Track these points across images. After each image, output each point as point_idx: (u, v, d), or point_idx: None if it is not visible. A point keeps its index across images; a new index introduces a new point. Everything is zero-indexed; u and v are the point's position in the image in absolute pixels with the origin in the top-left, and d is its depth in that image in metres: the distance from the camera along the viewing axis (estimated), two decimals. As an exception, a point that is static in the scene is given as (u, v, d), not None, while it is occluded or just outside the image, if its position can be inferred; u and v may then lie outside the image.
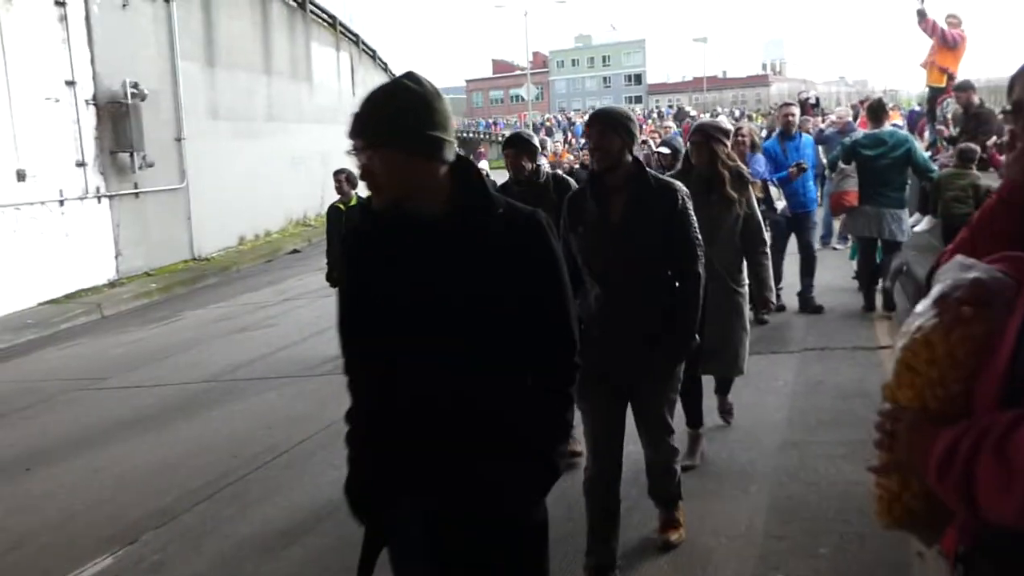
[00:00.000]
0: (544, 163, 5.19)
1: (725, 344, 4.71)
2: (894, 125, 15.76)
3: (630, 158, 3.56)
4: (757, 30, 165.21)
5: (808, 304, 8.22)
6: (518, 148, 4.92)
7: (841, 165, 7.97)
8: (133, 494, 5.26)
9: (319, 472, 5.24)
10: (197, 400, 7.30)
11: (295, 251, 20.21)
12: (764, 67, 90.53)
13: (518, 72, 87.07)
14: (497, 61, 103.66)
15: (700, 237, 3.65)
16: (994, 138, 8.58)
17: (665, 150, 7.75)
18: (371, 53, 33.79)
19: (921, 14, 9.89)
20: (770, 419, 5.29)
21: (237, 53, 20.02)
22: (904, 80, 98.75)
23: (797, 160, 8.09)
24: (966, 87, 9.00)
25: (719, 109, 46.62)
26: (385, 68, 37.57)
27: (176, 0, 17.19)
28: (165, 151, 16.74)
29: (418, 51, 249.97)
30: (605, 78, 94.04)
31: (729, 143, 4.81)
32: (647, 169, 3.65)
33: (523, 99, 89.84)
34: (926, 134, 14.10)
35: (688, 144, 4.94)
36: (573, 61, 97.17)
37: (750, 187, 4.77)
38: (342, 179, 8.51)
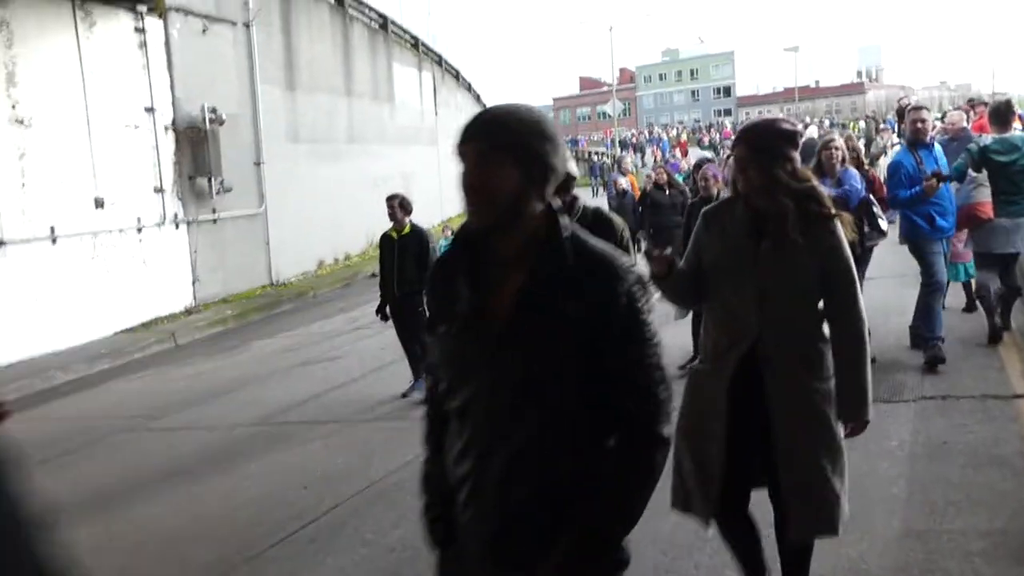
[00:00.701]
0: (581, 198, 4.11)
1: (806, 490, 3.00)
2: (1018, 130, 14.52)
3: (539, 206, 1.96)
4: (851, 37, 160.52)
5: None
6: None
7: (971, 173, 7.00)
8: (140, 570, 4.74)
9: (345, 550, 4.59)
10: (238, 448, 6.82)
11: (374, 275, 19.90)
12: (859, 74, 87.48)
13: (605, 88, 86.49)
14: (584, 78, 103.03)
15: (659, 360, 1.93)
16: None
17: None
18: (454, 73, 33.63)
19: None
20: (884, 495, 4.40)
21: (318, 75, 19.90)
22: (1013, 82, 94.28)
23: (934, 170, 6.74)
24: None
25: (808, 119, 44.75)
26: (469, 88, 37.41)
27: (257, 24, 17.12)
28: (244, 175, 16.63)
29: (504, 70, 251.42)
30: (693, 91, 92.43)
31: (795, 154, 3.06)
32: (565, 226, 1.96)
33: (610, 115, 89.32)
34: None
35: (728, 160, 3.93)
36: (660, 75, 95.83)
37: (837, 221, 3.06)
38: (395, 205, 7.96)
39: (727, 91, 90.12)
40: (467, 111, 36.43)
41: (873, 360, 7.06)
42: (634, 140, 55.33)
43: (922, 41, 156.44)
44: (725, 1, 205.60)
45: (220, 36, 16.27)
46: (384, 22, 24.86)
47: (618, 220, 4.33)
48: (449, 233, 14.63)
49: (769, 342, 2.99)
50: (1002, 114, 7.11)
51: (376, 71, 23.79)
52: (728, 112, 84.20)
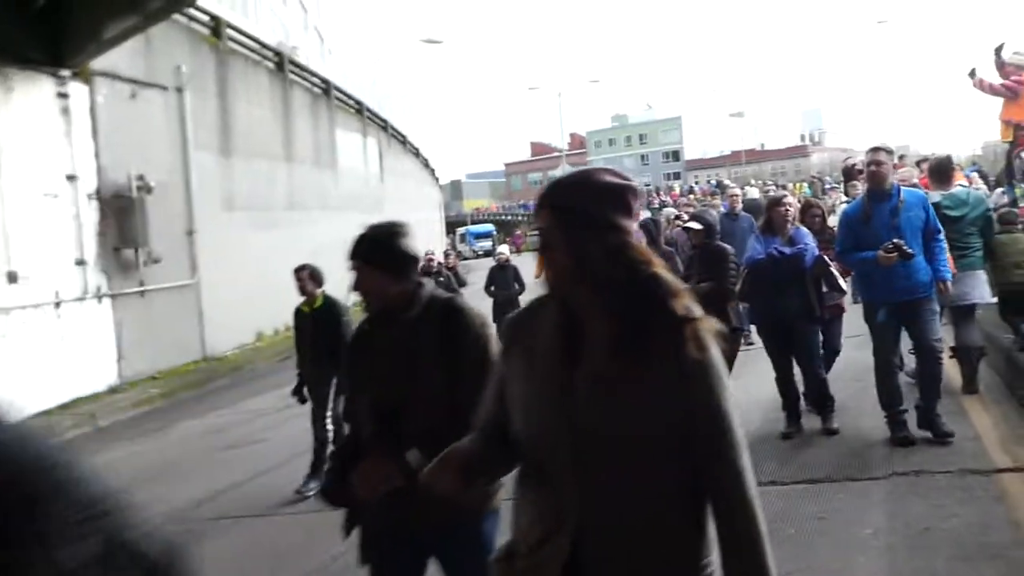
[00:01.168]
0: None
1: None
2: (959, 186, 14.44)
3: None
4: (794, 101, 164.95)
5: (937, 427, 5.99)
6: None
7: None
8: None
9: None
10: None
11: (314, 346, 19.19)
12: (803, 137, 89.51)
13: (556, 154, 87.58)
14: (535, 143, 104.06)
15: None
16: None
17: (696, 225, 6.50)
18: (401, 139, 33.38)
19: (971, 74, 8.75)
20: (865, 596, 3.82)
21: (255, 141, 19.34)
22: (949, 143, 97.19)
23: (893, 239, 5.63)
24: None
25: (753, 181, 45.38)
26: (417, 153, 37.21)
27: (190, 89, 16.54)
28: (175, 245, 15.86)
29: (455, 136, 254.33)
30: (643, 156, 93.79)
31: (628, 223, 1.84)
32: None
33: None
34: (996, 193, 12.70)
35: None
36: (610, 140, 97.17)
37: (699, 327, 1.79)
38: (304, 276, 7.28)
39: (676, 155, 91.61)
40: (415, 177, 36.15)
41: (836, 432, 6.63)
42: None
43: (862, 105, 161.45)
44: (672, 67, 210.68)
45: (150, 101, 15.65)
46: (327, 87, 24.52)
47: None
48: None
49: (597, 531, 1.80)
50: (943, 171, 7.36)
51: (318, 136, 23.33)
52: (677, 176, 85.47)
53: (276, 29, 32.88)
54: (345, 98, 26.22)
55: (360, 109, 27.25)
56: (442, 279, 10.85)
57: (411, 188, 34.81)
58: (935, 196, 7.05)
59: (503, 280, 12.94)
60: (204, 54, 17.53)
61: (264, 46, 20.87)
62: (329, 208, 23.51)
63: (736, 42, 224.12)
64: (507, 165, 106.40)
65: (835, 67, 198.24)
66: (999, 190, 12.64)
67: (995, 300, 7.55)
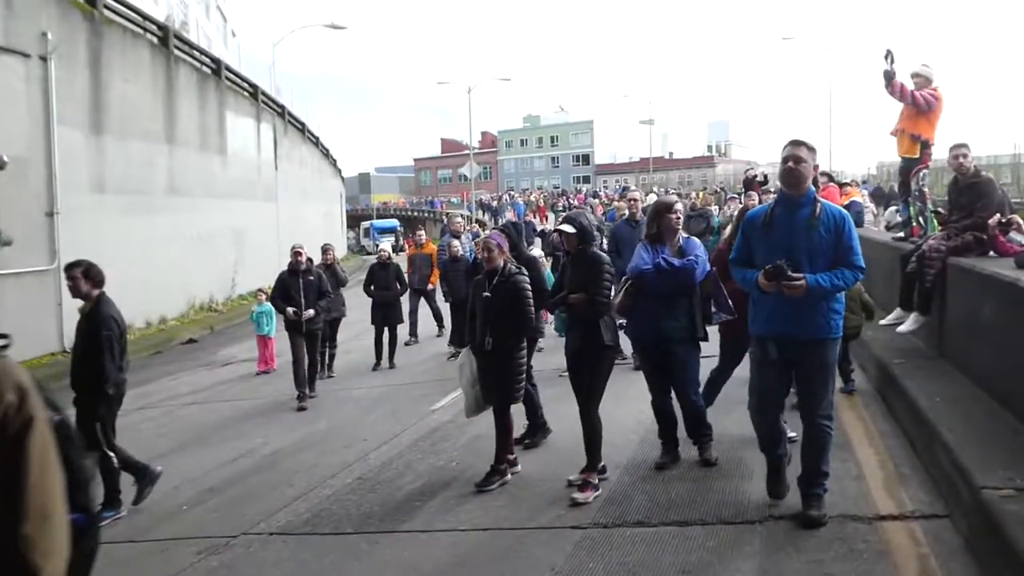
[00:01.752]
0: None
1: None
2: (853, 201, 14.31)
3: None
4: (703, 113, 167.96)
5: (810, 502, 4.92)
6: None
7: None
8: None
9: None
10: None
11: (192, 340, 17.99)
12: (710, 148, 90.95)
13: (465, 152, 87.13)
14: (446, 140, 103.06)
15: None
16: (997, 216, 6.84)
17: (568, 228, 5.87)
18: (299, 126, 32.10)
19: (888, 76, 8.28)
20: None
21: (132, 119, 18.02)
22: (847, 161, 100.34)
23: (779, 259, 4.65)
24: (959, 148, 7.24)
25: (656, 188, 45.96)
26: (316, 142, 35.93)
27: (56, 58, 15.19)
28: (33, 228, 14.55)
29: (365, 128, 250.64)
30: (553, 158, 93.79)
31: None
32: None
33: (488, 177, 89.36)
34: (889, 211, 12.58)
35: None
36: (522, 141, 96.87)
37: None
38: (76, 275, 6.25)
39: (586, 159, 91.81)
40: (312, 166, 34.90)
41: (714, 463, 6.13)
42: (494, 203, 54.88)
43: (766, 119, 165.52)
44: (585, 71, 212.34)
45: (9, 69, 14.28)
46: (217, 68, 23.23)
47: None
48: (264, 298, 13.01)
49: None
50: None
51: (206, 119, 22.05)
52: (587, 179, 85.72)
53: (173, 5, 31.24)
54: (238, 80, 24.93)
55: (255, 93, 25.98)
56: (312, 277, 9.99)
57: (310, 178, 33.57)
58: None
59: (383, 279, 12.15)
60: (75, 21, 16.18)
61: (146, 18, 19.52)
62: (217, 195, 22.26)
63: (649, 51, 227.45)
64: (416, 160, 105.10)
65: (743, 81, 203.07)
66: (892, 208, 12.53)
67: None
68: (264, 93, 27.11)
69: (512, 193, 62.12)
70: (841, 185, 14.50)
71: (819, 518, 4.71)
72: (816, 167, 4.88)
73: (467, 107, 66.12)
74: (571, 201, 55.29)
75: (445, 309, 13.22)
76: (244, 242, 23.32)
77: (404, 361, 12.34)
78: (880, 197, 20.34)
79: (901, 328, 7.49)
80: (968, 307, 6.49)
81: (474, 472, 6.41)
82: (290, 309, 9.96)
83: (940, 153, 8.67)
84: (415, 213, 69.39)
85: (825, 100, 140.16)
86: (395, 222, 59.48)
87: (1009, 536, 3.72)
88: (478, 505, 5.79)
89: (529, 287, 6.21)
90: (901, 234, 9.35)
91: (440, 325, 14.23)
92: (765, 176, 17.69)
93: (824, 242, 4.63)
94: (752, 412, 5.13)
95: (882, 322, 7.84)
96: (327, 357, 11.82)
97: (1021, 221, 6.54)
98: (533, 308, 6.28)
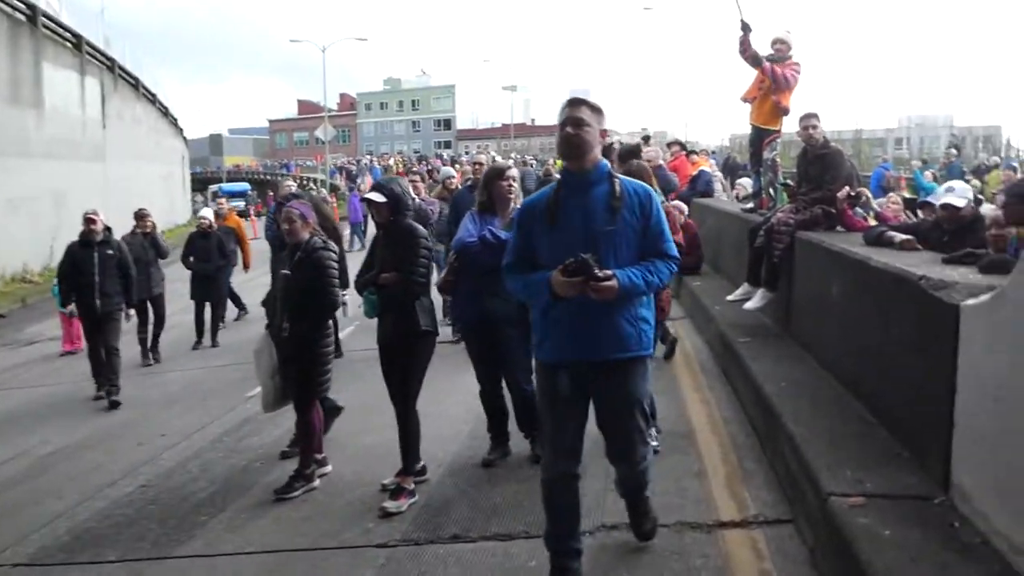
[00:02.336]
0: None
1: None
2: (702, 170, 14.10)
3: None
4: (565, 80, 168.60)
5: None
6: None
7: None
8: None
9: None
10: None
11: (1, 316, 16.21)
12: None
13: (322, 114, 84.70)
14: (303, 101, 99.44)
15: None
16: (846, 189, 6.47)
17: (377, 197, 5.04)
18: (132, 81, 29.74)
19: (744, 44, 7.85)
20: None
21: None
22: (701, 132, 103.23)
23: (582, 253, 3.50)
24: (809, 118, 6.82)
25: (515, 155, 45.80)
26: (153, 100, 33.50)
27: None
28: None
29: (217, 86, 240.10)
30: (414, 122, 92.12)
31: None
32: None
33: (347, 140, 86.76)
34: (741, 182, 12.35)
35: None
36: (382, 104, 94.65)
37: None
38: None
39: (447, 124, 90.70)
40: (148, 125, 32.54)
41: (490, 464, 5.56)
42: (350, 167, 53.13)
43: (626, 88, 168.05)
44: (447, 35, 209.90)
45: None
46: (32, 13, 20.95)
47: None
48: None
49: None
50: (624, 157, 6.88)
51: (17, 70, 19.88)
52: (448, 144, 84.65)
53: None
54: (58, 28, 22.64)
55: (78, 43, 23.68)
56: (111, 251, 8.68)
57: (144, 137, 31.20)
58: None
59: (203, 250, 10.96)
60: None
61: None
62: (31, 155, 20.18)
63: (512, 16, 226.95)
64: (272, 122, 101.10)
65: (604, 49, 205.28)
66: (743, 179, 12.32)
67: None
68: (90, 44, 24.81)
69: (371, 157, 60.37)
70: (689, 153, 14.27)
71: (650, 533, 4.12)
72: (604, 133, 3.53)
73: (313, 66, 63.68)
74: (430, 166, 54.29)
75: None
76: (65, 206, 21.35)
77: (231, 339, 11.25)
78: (730, 168, 20.41)
79: (748, 304, 7.11)
80: (816, 285, 6.10)
81: (279, 475, 5.58)
82: (69, 308, 8.82)
83: (789, 126, 8.30)
84: (268, 177, 66.51)
85: (683, 71, 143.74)
86: (246, 186, 56.76)
87: (859, 556, 3.24)
88: (274, 519, 4.97)
89: (335, 263, 5.40)
90: (751, 205, 9.03)
91: (240, 308, 12.95)
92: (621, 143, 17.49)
93: (628, 228, 3.56)
94: (545, 468, 3.73)
95: (729, 297, 7.47)
96: (151, 339, 10.55)
97: (870, 195, 6.19)
98: (338, 287, 5.47)
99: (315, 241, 5.37)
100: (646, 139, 16.81)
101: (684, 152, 14.19)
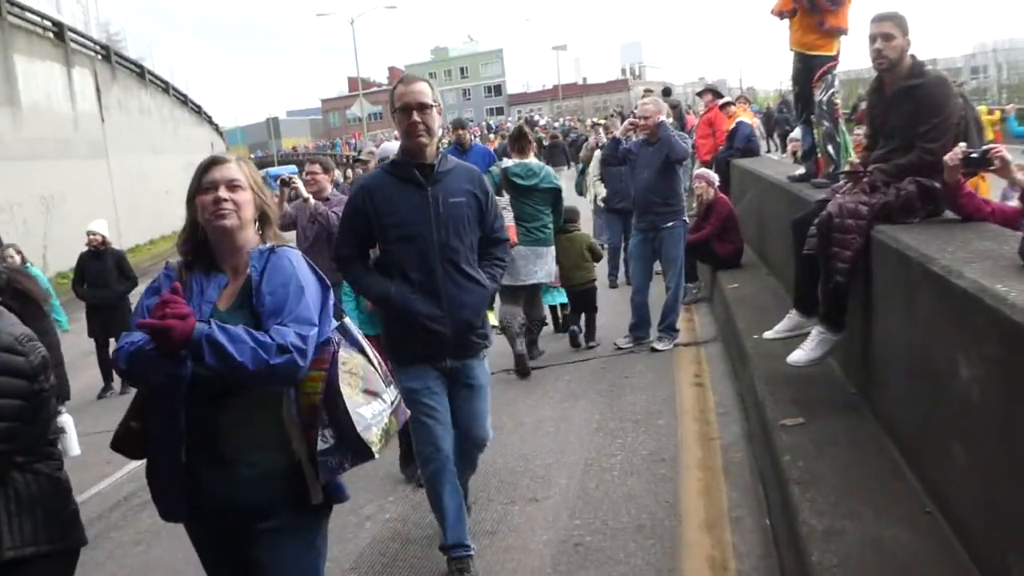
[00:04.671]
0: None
1: None
2: (740, 122, 11.20)
3: None
4: (615, 35, 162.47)
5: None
6: None
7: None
8: None
9: None
10: None
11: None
12: (624, 71, 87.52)
13: (375, 89, 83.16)
14: (352, 78, 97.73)
15: None
16: (961, 146, 3.67)
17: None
18: (137, 70, 27.79)
19: None
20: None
21: None
22: (762, 78, 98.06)
23: None
24: (883, 22, 3.92)
25: (567, 117, 43.01)
26: (166, 87, 31.57)
27: None
28: None
29: (273, 71, 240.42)
30: (465, 90, 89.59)
31: None
32: None
33: (381, 116, 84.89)
34: (795, 135, 9.53)
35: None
36: (431, 74, 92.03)
37: None
38: None
39: (498, 89, 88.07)
40: (162, 115, 30.69)
41: None
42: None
43: (681, 39, 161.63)
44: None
45: None
46: (-2, 3, 18.96)
47: None
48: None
49: None
50: (515, 140, 7.05)
51: (-18, 64, 17.96)
52: (500, 111, 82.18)
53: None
54: (34, 17, 20.66)
55: (60, 32, 21.63)
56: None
57: (158, 128, 29.28)
58: (507, 163, 6.96)
59: (97, 273, 8.62)
60: None
61: None
62: (10, 157, 18.32)
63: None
64: (324, 101, 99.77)
65: (653, 1, 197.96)
66: (796, 131, 9.40)
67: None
68: (75, 31, 22.85)
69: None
70: (724, 105, 11.04)
71: None
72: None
73: (361, 41, 61.64)
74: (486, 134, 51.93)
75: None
76: (57, 210, 19.57)
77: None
78: (775, 122, 17.27)
79: (795, 357, 4.30)
80: (917, 330, 3.39)
81: None
82: None
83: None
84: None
85: (737, 16, 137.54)
86: (293, 168, 55.23)
87: None
88: None
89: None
90: (802, 171, 6.28)
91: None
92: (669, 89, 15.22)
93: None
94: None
95: (767, 335, 4.72)
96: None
97: (1008, 157, 3.41)
98: None
99: None
100: (666, 91, 14.10)
101: (717, 102, 11.11)
